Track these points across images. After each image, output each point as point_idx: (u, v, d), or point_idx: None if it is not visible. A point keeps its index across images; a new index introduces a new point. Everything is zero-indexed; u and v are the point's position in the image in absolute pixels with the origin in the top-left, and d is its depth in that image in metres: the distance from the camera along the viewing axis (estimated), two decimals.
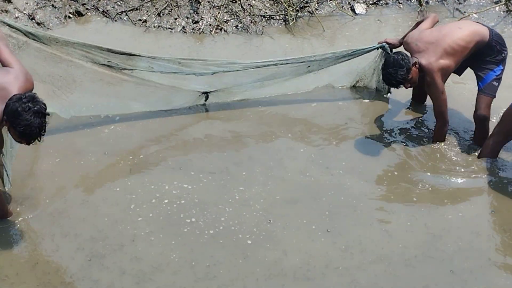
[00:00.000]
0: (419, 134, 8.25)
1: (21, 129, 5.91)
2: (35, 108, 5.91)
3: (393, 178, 7.67)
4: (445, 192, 7.48)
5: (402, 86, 7.69)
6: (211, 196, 7.25)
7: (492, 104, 7.81)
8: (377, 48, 8.35)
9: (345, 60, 8.45)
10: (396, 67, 7.49)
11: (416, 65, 7.54)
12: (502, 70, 7.81)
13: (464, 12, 10.52)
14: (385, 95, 8.80)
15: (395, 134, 8.27)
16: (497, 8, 10.53)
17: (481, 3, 10.69)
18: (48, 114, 6.05)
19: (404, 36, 8.06)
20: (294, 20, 10.52)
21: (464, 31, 7.64)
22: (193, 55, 9.66)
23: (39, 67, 7.56)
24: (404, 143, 8.09)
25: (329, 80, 8.97)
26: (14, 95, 5.97)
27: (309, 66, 8.38)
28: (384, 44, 8.27)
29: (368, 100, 8.79)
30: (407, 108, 8.69)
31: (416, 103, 8.65)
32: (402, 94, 8.72)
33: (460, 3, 10.69)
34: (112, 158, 7.74)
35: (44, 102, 6.03)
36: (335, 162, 7.80)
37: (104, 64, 7.71)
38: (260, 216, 7.02)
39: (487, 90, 7.76)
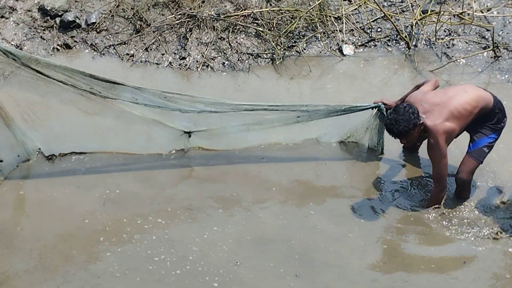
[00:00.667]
0: (409, 197, 7.42)
1: None
2: None
3: (368, 222, 7.08)
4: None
5: (398, 138, 6.97)
6: (183, 233, 6.80)
7: None
8: (373, 108, 7.50)
9: (337, 115, 7.56)
10: (405, 118, 6.71)
11: (422, 126, 6.81)
12: (496, 139, 7.10)
13: (452, 56, 9.90)
14: (379, 156, 7.91)
15: (383, 193, 7.47)
16: (485, 53, 9.89)
17: (468, 48, 10.06)
18: (1, 161, 5.93)
19: (403, 98, 7.32)
20: (281, 59, 9.77)
21: (470, 95, 6.90)
22: (179, 90, 8.89)
23: (14, 90, 6.95)
24: (394, 205, 7.30)
25: (319, 133, 8.01)
26: None
27: (298, 117, 7.49)
28: (380, 104, 7.44)
29: (357, 160, 7.96)
30: (402, 166, 7.89)
31: (409, 154, 7.87)
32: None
33: (448, 47, 10.06)
34: (86, 190, 7.19)
35: None
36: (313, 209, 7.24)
37: (85, 90, 6.91)
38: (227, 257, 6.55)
39: (475, 154, 7.05)
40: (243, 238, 6.77)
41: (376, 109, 7.46)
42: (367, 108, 7.49)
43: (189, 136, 7.64)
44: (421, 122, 6.75)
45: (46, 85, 6.84)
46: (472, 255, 6.66)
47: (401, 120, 6.71)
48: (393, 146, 7.71)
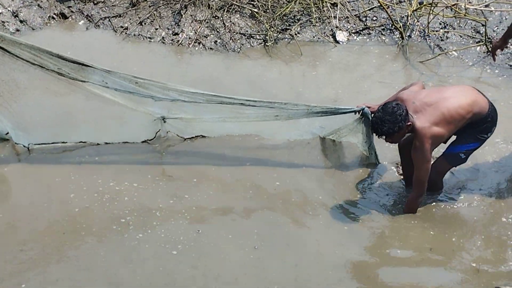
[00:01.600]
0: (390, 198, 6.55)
1: None
2: None
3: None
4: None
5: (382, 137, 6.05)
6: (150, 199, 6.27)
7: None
8: (356, 112, 6.45)
9: (318, 117, 6.55)
10: (391, 119, 5.77)
11: (409, 127, 5.86)
12: (477, 147, 6.15)
13: (445, 49, 9.03)
14: (374, 163, 6.89)
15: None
16: (478, 48, 9.01)
17: (462, 42, 9.14)
18: None
19: (387, 101, 6.21)
20: (274, 42, 8.86)
21: (466, 99, 5.91)
22: (169, 65, 8.37)
23: None
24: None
25: (301, 129, 7.06)
26: None
27: (277, 116, 6.50)
28: (364, 107, 6.39)
29: (342, 160, 7.03)
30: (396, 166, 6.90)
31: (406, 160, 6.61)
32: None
33: (442, 40, 9.15)
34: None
35: None
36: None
37: (53, 71, 5.94)
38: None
39: (450, 158, 6.18)
40: (206, 207, 6.20)
41: (359, 113, 6.44)
42: (351, 111, 6.45)
43: (164, 121, 6.70)
44: (408, 123, 5.80)
45: (13, 61, 5.90)
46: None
47: (387, 121, 5.77)
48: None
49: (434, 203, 6.33)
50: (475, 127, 6.00)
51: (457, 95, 5.93)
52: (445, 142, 6.11)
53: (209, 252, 5.72)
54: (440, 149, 6.25)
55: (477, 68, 8.65)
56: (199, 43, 8.88)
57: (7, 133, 6.51)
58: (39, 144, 6.52)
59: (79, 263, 5.53)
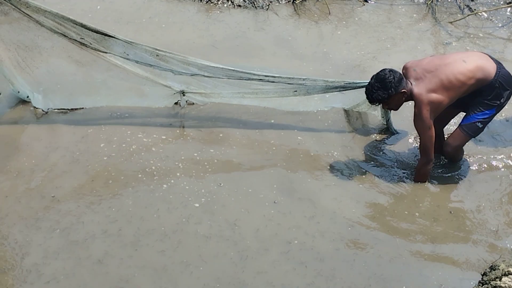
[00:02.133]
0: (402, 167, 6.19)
1: None
2: None
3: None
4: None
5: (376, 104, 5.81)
6: (174, 150, 6.10)
7: None
8: None
9: (337, 91, 6.21)
10: (381, 85, 5.53)
11: (405, 94, 5.56)
12: (493, 115, 5.72)
13: (475, 9, 8.57)
14: (394, 133, 6.55)
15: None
16: (509, 9, 8.55)
17: (493, 3, 8.68)
18: None
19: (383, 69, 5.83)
20: (302, 0, 8.49)
21: (468, 65, 5.51)
22: (198, 22, 8.05)
23: (3, 32, 5.74)
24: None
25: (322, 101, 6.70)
26: None
27: (295, 91, 6.19)
28: None
29: (358, 128, 6.64)
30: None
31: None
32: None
33: (472, 0, 8.74)
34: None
35: None
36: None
37: (76, 40, 5.63)
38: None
39: (466, 128, 5.76)
40: (229, 161, 6.01)
41: None
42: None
43: (183, 95, 6.37)
44: (402, 90, 5.52)
45: (37, 28, 5.59)
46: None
47: (376, 87, 5.54)
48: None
49: (454, 172, 6.09)
50: (484, 94, 5.63)
51: (458, 61, 5.57)
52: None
53: (230, 205, 5.55)
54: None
55: (506, 29, 8.26)
56: (228, 0, 8.50)
57: (27, 96, 6.24)
58: (58, 109, 6.27)
59: (108, 211, 5.39)
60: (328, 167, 6.02)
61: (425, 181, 5.89)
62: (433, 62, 5.64)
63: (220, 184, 5.73)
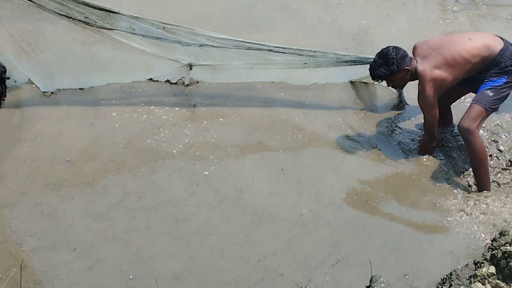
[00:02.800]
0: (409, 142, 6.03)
1: None
2: None
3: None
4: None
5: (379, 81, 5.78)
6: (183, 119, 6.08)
7: None
8: None
9: (347, 65, 6.11)
10: (383, 61, 5.49)
11: (409, 72, 5.47)
12: (506, 83, 5.45)
13: None
14: (403, 105, 6.41)
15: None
16: None
17: None
18: (8, 78, 4.65)
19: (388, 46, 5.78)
20: None
21: (473, 42, 5.40)
22: None
23: (5, 18, 5.59)
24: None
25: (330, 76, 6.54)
26: None
27: (305, 63, 6.06)
28: None
29: (368, 104, 6.48)
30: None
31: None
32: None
33: None
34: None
35: (3, 64, 4.59)
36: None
37: (80, 20, 5.49)
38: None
39: (477, 98, 5.44)
40: (236, 127, 5.99)
41: None
42: None
43: (190, 68, 6.22)
44: (405, 67, 5.43)
45: (39, 12, 5.46)
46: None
47: (379, 63, 5.50)
48: None
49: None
50: (492, 71, 5.46)
51: (463, 39, 5.48)
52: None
53: (238, 172, 5.51)
54: None
55: None
56: None
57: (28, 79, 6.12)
58: (66, 89, 6.15)
59: (119, 172, 5.39)
60: (334, 138, 5.95)
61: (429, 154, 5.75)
62: (439, 40, 5.60)
63: (228, 149, 5.72)
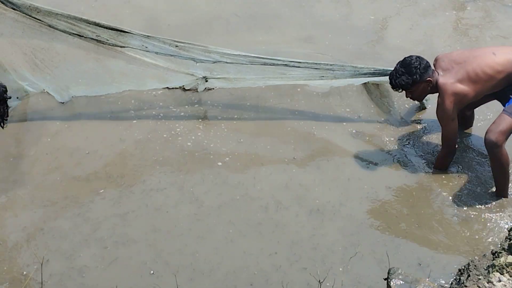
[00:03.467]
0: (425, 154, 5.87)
1: None
2: None
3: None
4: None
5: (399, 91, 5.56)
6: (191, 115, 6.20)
7: None
8: None
9: (366, 78, 5.99)
10: (405, 70, 5.31)
11: (430, 84, 5.32)
12: None
13: None
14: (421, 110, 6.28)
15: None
16: None
17: None
18: (10, 97, 4.63)
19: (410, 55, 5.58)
20: None
21: (497, 58, 5.22)
22: None
23: (18, 37, 5.57)
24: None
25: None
26: None
27: (322, 76, 5.95)
28: None
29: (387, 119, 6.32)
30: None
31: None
32: None
33: None
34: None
35: (3, 84, 4.58)
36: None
37: (92, 39, 5.50)
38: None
39: (508, 109, 5.21)
40: (247, 121, 6.08)
41: None
42: None
43: (206, 81, 6.17)
44: (428, 78, 5.28)
45: (51, 32, 5.47)
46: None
47: (402, 73, 5.31)
48: None
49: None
50: None
51: (487, 54, 5.29)
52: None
53: (252, 161, 5.62)
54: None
55: None
56: None
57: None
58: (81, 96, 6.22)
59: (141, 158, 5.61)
60: (346, 139, 5.94)
61: (446, 169, 5.62)
62: (463, 54, 5.40)
63: (240, 140, 5.84)
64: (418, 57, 5.36)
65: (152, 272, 4.63)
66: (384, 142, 5.89)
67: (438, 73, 5.34)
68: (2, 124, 4.53)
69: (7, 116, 4.55)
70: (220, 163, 5.55)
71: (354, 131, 5.98)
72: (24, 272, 4.56)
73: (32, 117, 6.04)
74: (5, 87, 4.51)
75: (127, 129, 5.92)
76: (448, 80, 5.22)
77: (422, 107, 6.22)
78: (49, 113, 6.06)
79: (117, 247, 4.81)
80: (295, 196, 5.27)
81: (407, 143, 5.90)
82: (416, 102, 6.11)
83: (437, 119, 5.46)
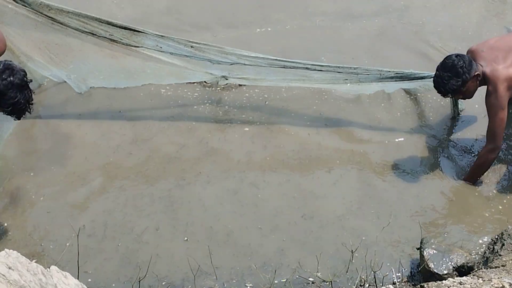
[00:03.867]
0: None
1: (8, 109, 4.27)
2: (17, 81, 4.21)
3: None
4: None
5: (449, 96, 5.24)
6: None
7: None
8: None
9: (392, 81, 5.63)
10: (452, 74, 4.92)
11: (478, 77, 4.98)
12: None
13: None
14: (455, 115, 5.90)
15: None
16: None
17: None
18: (31, 81, 4.36)
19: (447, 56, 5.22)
20: None
21: None
22: None
23: (31, 32, 5.43)
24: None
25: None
26: None
27: (346, 79, 5.62)
28: None
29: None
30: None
31: None
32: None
33: None
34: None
35: (22, 68, 4.34)
36: None
37: (105, 37, 5.30)
38: None
39: None
40: (277, 140, 5.78)
41: None
42: (428, 77, 5.47)
43: (226, 79, 5.92)
44: (476, 73, 4.95)
45: (64, 29, 5.28)
46: None
47: (447, 77, 4.95)
48: None
49: None
50: None
51: None
52: None
53: (277, 133, 5.68)
54: None
55: None
56: None
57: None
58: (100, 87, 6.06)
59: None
60: (384, 156, 5.63)
61: (485, 171, 5.26)
62: (503, 40, 5.18)
63: (266, 102, 5.90)
64: (458, 55, 5.02)
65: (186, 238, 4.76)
66: (415, 151, 5.64)
67: (480, 64, 5.02)
68: (29, 109, 4.36)
69: (32, 100, 4.38)
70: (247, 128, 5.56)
71: (386, 141, 5.73)
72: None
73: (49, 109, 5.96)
74: (24, 71, 4.33)
75: (143, 126, 5.81)
76: (497, 66, 4.97)
77: (457, 112, 5.86)
78: (66, 104, 5.99)
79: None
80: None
81: (441, 149, 5.66)
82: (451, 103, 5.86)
83: (469, 127, 5.48)
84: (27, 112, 4.38)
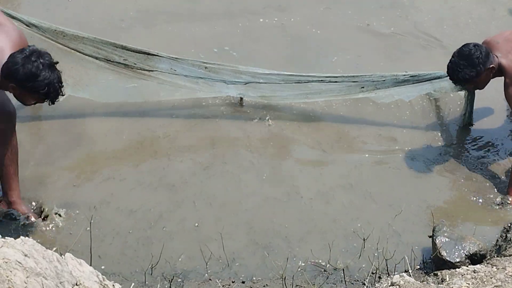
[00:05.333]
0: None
1: (44, 90, 4.13)
2: (47, 62, 4.14)
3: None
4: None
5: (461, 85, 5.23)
6: None
7: None
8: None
9: (409, 84, 5.54)
10: (467, 63, 4.86)
11: (493, 70, 4.94)
12: None
13: None
14: (467, 125, 5.76)
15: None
16: None
17: None
18: (57, 62, 4.27)
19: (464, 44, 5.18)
20: None
21: None
22: None
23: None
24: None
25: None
26: (12, 55, 4.11)
27: (362, 87, 5.56)
28: None
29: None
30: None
31: None
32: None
33: None
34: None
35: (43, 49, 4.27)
36: None
37: (119, 63, 5.33)
38: None
39: None
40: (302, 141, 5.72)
41: None
42: (445, 77, 5.34)
43: (241, 99, 5.81)
44: (491, 65, 4.90)
45: (79, 56, 5.33)
46: None
47: (462, 66, 4.88)
48: None
49: None
50: None
51: None
52: None
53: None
54: None
55: None
56: None
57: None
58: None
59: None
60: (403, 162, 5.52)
61: None
62: None
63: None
64: (476, 44, 4.96)
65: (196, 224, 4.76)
66: (430, 141, 5.61)
67: (496, 56, 4.98)
68: (61, 91, 4.23)
69: (62, 82, 4.26)
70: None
71: (402, 131, 5.70)
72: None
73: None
74: (48, 53, 4.25)
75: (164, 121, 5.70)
76: None
77: (469, 122, 5.77)
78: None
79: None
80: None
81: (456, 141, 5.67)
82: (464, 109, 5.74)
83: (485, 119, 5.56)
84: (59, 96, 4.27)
